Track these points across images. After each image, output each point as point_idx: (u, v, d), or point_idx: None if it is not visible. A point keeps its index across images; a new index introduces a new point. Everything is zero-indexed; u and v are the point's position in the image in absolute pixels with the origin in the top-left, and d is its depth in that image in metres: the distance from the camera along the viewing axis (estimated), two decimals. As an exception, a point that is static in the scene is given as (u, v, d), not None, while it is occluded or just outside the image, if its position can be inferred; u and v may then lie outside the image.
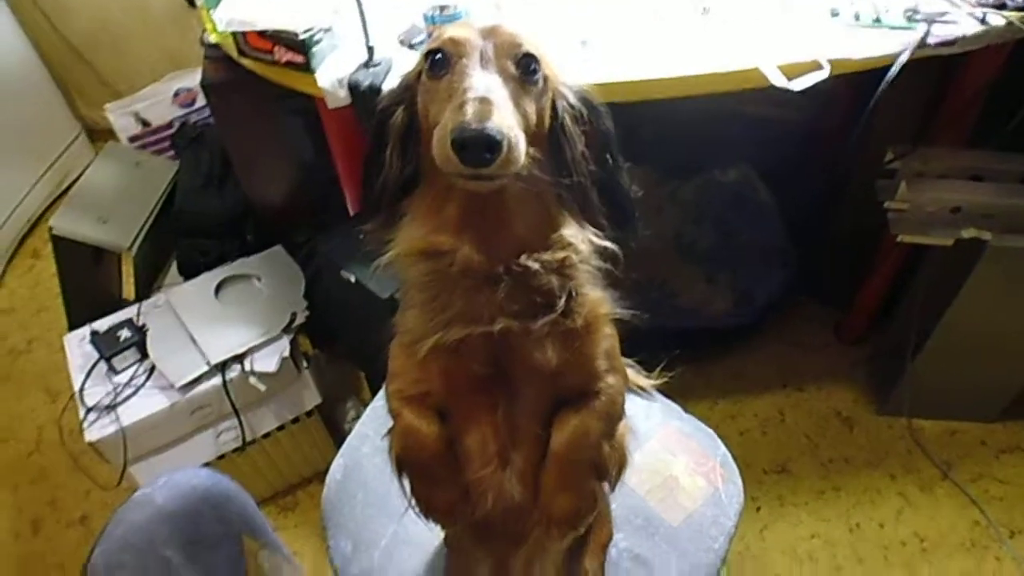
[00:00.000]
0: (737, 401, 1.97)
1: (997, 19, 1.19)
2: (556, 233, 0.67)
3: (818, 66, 1.13)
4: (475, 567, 0.89)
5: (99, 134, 2.79)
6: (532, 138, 0.63)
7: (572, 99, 0.69)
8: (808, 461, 1.85)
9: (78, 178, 2.63)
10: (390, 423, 0.77)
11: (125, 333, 1.54)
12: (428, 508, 0.75)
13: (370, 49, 1.13)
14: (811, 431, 1.91)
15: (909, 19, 1.20)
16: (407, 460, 0.74)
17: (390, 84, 1.14)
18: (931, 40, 1.17)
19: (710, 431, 1.26)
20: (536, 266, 0.65)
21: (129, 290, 1.97)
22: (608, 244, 0.70)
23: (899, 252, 1.75)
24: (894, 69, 1.15)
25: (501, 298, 0.65)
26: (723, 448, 1.23)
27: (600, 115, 0.70)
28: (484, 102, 0.56)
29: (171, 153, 2.00)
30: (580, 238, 0.68)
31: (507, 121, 0.57)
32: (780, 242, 2.06)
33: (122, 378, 1.52)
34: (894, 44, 1.17)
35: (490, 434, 0.72)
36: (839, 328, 2.06)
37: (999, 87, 1.44)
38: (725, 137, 2.09)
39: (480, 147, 0.55)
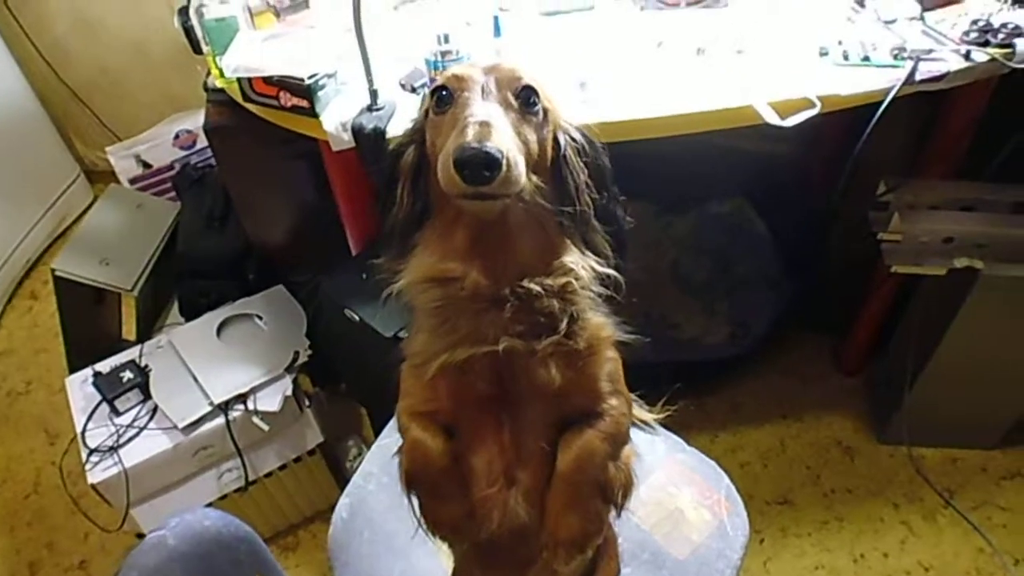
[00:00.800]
0: (737, 433, 1.98)
1: (981, 55, 1.22)
2: (558, 260, 0.70)
3: (809, 103, 1.16)
4: None
5: (98, 176, 2.81)
6: (535, 167, 0.67)
7: (574, 133, 0.73)
8: (810, 492, 1.85)
9: (77, 219, 2.68)
10: (398, 454, 0.79)
11: (128, 374, 1.54)
12: (435, 524, 0.76)
13: (373, 93, 1.16)
14: (812, 461, 1.91)
15: (896, 57, 1.23)
16: (414, 474, 0.75)
17: (393, 127, 1.17)
18: (919, 76, 1.20)
19: (713, 463, 1.26)
20: (538, 289, 0.67)
21: (130, 331, 1.97)
22: (610, 271, 0.73)
23: (893, 282, 1.78)
24: (884, 104, 1.18)
25: (506, 319, 0.68)
26: (727, 480, 1.24)
27: (598, 151, 0.74)
28: (483, 125, 0.60)
29: (172, 195, 2.02)
30: (581, 265, 0.70)
31: (505, 143, 0.60)
32: (775, 273, 2.08)
33: (125, 419, 1.52)
34: (882, 81, 1.20)
35: (496, 453, 0.73)
36: (836, 357, 2.08)
37: (986, 119, 1.48)
38: (720, 172, 2.12)
39: (480, 165, 0.58)
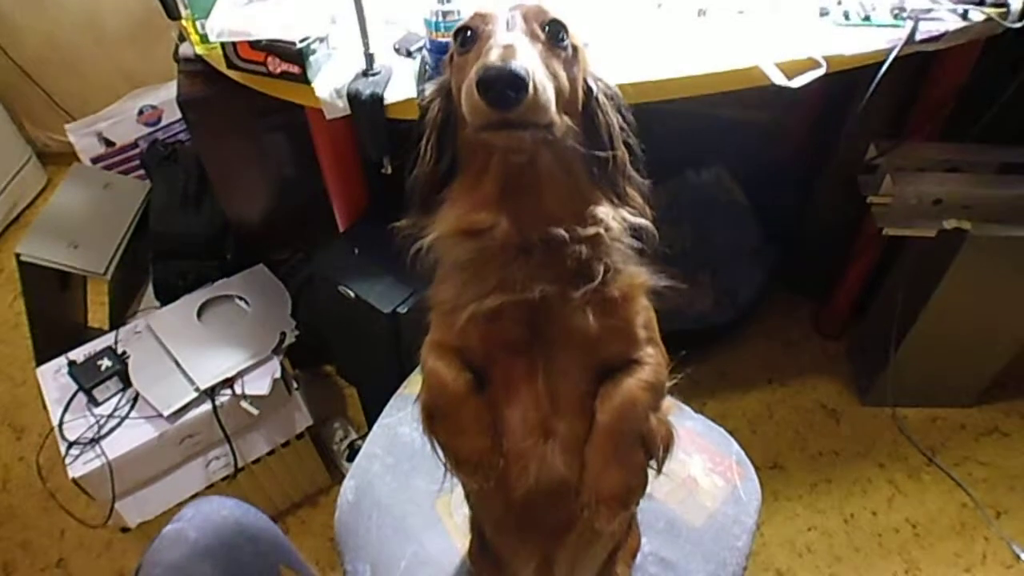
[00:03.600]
0: (725, 400, 1.99)
1: (977, 14, 1.23)
2: (588, 209, 0.66)
3: (815, 64, 1.15)
4: (514, 570, 0.86)
5: (52, 157, 2.67)
6: (565, 107, 0.63)
7: (605, 79, 0.70)
8: (799, 455, 1.87)
9: (31, 204, 2.55)
10: (417, 399, 0.75)
11: (105, 362, 1.47)
12: (457, 459, 0.71)
13: (369, 57, 1.10)
14: (799, 425, 1.93)
15: (896, 16, 1.23)
16: (432, 406, 0.71)
17: (390, 92, 1.12)
18: (918, 36, 1.20)
19: (721, 430, 1.26)
20: (565, 236, 0.64)
21: (98, 318, 1.88)
22: (642, 222, 0.69)
23: (876, 245, 1.80)
24: (886, 64, 1.18)
25: (535, 267, 0.65)
26: (736, 446, 1.23)
27: (624, 105, 0.71)
28: (508, 47, 0.57)
29: (141, 172, 1.92)
30: (612, 215, 0.67)
31: (532, 64, 0.57)
32: (756, 240, 2.09)
33: (104, 409, 1.45)
34: (883, 40, 1.20)
35: (531, 403, 0.70)
36: (818, 322, 2.11)
37: (970, 81, 1.49)
38: (697, 140, 2.11)
39: (504, 83, 0.55)
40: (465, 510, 1.07)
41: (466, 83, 0.58)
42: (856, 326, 2.05)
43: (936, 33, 1.21)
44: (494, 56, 0.56)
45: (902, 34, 1.20)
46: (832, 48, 1.18)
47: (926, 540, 1.71)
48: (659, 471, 0.74)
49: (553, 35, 0.63)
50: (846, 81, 1.27)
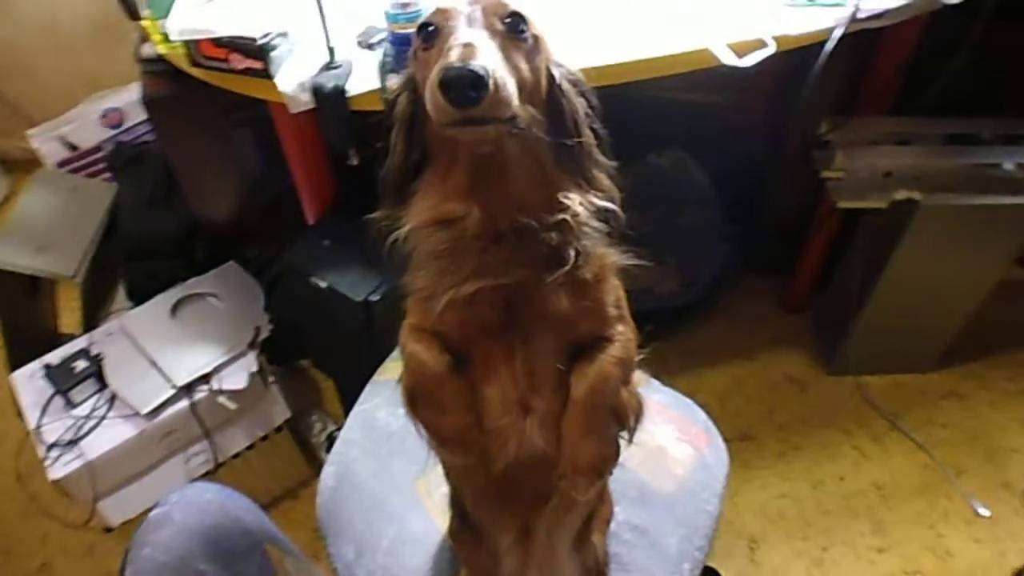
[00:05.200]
0: (695, 376, 2.04)
1: (916, -9, 1.28)
2: (556, 195, 0.69)
3: (763, 44, 1.20)
4: (494, 541, 0.89)
5: (13, 165, 2.65)
6: (529, 97, 0.65)
7: (567, 66, 0.71)
8: (767, 426, 1.93)
9: (-4, 210, 2.53)
10: (399, 381, 0.77)
11: (81, 364, 1.48)
12: (440, 437, 0.74)
13: (331, 50, 1.13)
14: (767, 397, 1.99)
15: (839, -4, 1.27)
16: (414, 388, 0.74)
17: (353, 85, 1.14)
18: (860, 14, 1.24)
19: (689, 401, 1.30)
20: (535, 224, 0.67)
21: (70, 323, 1.88)
22: (609, 205, 0.72)
23: (833, 219, 1.85)
24: (831, 42, 1.22)
25: (509, 253, 0.67)
26: (703, 415, 1.28)
27: (588, 90, 0.73)
28: (467, 46, 0.59)
29: (107, 175, 1.92)
30: (579, 201, 0.69)
31: (491, 62, 0.59)
32: (719, 220, 2.14)
33: (82, 411, 1.46)
34: (828, 19, 1.24)
35: (509, 382, 0.73)
36: (782, 297, 2.16)
37: (918, 57, 1.55)
38: (658, 124, 2.15)
39: (465, 84, 0.57)
40: (444, 489, 1.10)
41: (429, 82, 0.59)
42: (818, 299, 2.11)
43: (878, 11, 1.26)
44: (455, 56, 0.58)
45: (846, 13, 1.24)
46: (780, 28, 1.23)
47: (891, 501, 1.77)
48: (630, 440, 0.78)
49: (513, 27, 0.64)
50: (799, 60, 1.31)
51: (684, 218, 2.15)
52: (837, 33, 1.22)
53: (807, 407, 1.96)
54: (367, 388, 1.31)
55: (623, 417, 0.74)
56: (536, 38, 0.67)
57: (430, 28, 0.66)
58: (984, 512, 1.74)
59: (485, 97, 0.57)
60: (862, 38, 1.33)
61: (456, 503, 1.00)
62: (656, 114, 2.07)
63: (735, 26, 1.23)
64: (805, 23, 1.24)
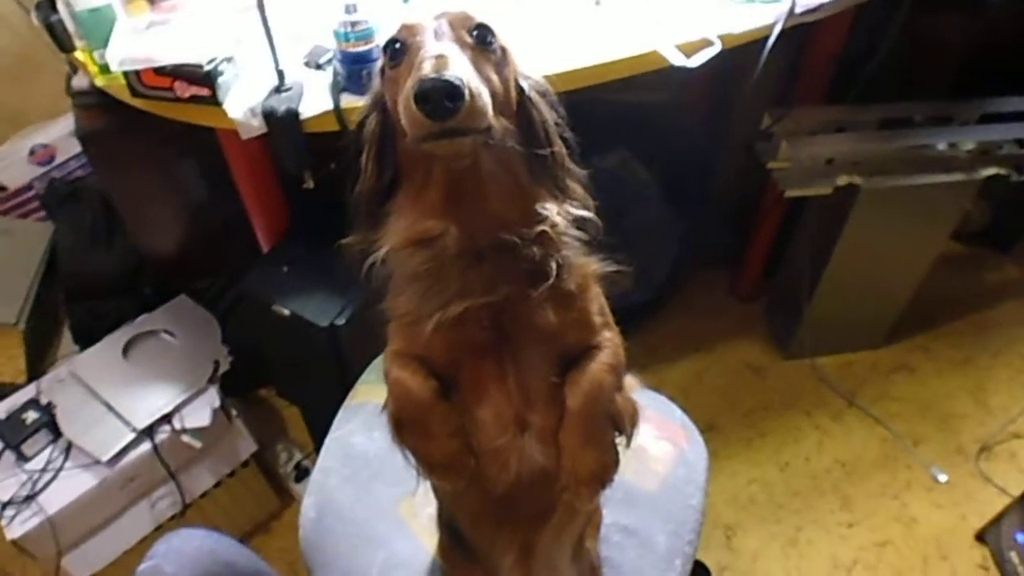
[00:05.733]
0: (656, 373, 2.07)
1: (848, -14, 1.33)
2: (533, 208, 0.68)
3: (709, 43, 1.22)
4: (494, 562, 0.88)
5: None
6: (500, 108, 0.65)
7: (535, 76, 0.72)
8: (731, 415, 1.97)
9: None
10: (384, 408, 0.75)
11: (31, 415, 1.41)
12: (429, 464, 0.73)
13: (280, 73, 1.10)
14: (728, 387, 2.03)
15: (776, -7, 1.31)
16: (400, 415, 0.72)
17: (305, 107, 1.12)
18: (798, 9, 1.29)
19: (663, 398, 1.32)
20: (516, 240, 0.66)
21: (13, 371, 1.79)
22: (585, 214, 0.72)
23: (779, 208, 1.91)
24: (772, 36, 1.26)
25: (492, 270, 0.67)
26: (679, 411, 1.29)
27: (556, 100, 0.73)
28: (440, 58, 0.58)
29: (41, 214, 1.83)
30: (556, 211, 0.69)
31: (465, 72, 0.58)
32: (668, 216, 2.18)
33: (36, 464, 1.39)
34: (768, 16, 1.28)
35: (503, 400, 0.72)
36: (735, 287, 2.21)
37: (849, 48, 1.61)
38: (601, 126, 2.17)
39: (441, 94, 0.56)
40: (430, 510, 1.09)
41: (402, 97, 0.59)
42: (770, 287, 2.17)
43: (813, 5, 1.31)
44: (428, 68, 0.57)
45: (784, 8, 1.28)
46: (724, 27, 1.26)
47: (855, 476, 1.83)
48: (628, 445, 0.78)
49: (481, 39, 0.64)
50: (737, 57, 1.35)
51: (632, 217, 2.18)
52: (778, 28, 1.26)
53: (767, 393, 2.01)
54: (340, 414, 1.29)
55: (620, 422, 0.74)
56: (503, 49, 0.67)
57: (397, 45, 0.65)
58: (942, 478, 1.81)
59: (462, 107, 0.57)
60: (797, 32, 1.38)
61: (445, 522, 0.99)
62: (598, 117, 2.08)
63: (682, 27, 1.25)
64: (747, 20, 1.27)
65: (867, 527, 1.74)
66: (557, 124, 0.72)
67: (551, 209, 0.69)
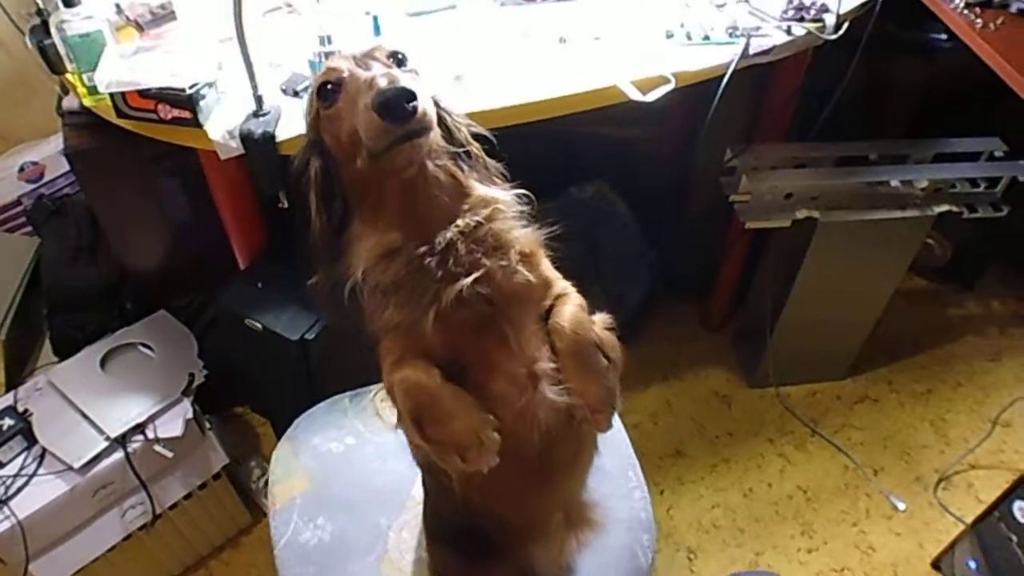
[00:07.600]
0: (627, 399, 2.02)
1: (799, 29, 1.41)
2: (474, 196, 0.78)
3: (665, 80, 1.30)
4: (538, 530, 0.95)
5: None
6: None
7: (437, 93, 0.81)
8: (698, 441, 2.02)
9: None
10: (399, 425, 0.81)
11: (7, 422, 1.44)
12: (461, 447, 0.74)
13: (259, 98, 1.17)
14: (696, 414, 2.08)
15: (731, 35, 1.39)
16: (416, 409, 0.75)
17: (281, 130, 1.19)
18: (751, 51, 1.36)
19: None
20: (473, 223, 0.75)
21: (-8, 381, 1.82)
22: (516, 192, 0.82)
23: (744, 240, 1.97)
24: (726, 76, 1.34)
25: (464, 255, 0.74)
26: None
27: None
28: (387, 74, 0.68)
29: (28, 229, 1.89)
30: (492, 192, 0.79)
31: (410, 81, 0.68)
32: (641, 247, 2.24)
33: (9, 470, 1.42)
34: (723, 56, 1.36)
35: (513, 364, 0.77)
36: (703, 317, 2.27)
37: (808, 87, 1.69)
38: (579, 159, 2.26)
39: (401, 98, 0.66)
40: (409, 556, 1.11)
41: (362, 116, 0.68)
42: (736, 317, 2.22)
43: (767, 48, 1.39)
44: (384, 83, 0.66)
45: (738, 50, 1.36)
46: (680, 65, 1.33)
47: (816, 503, 1.87)
48: (618, 369, 0.85)
49: (400, 63, 0.76)
50: (705, 95, 1.42)
51: (607, 247, 2.24)
52: (731, 68, 1.34)
53: (733, 420, 2.06)
54: (272, 526, 1.19)
55: (607, 348, 0.81)
56: (415, 70, 0.78)
57: (329, 87, 0.73)
58: (901, 506, 1.85)
59: (418, 108, 0.67)
60: (757, 72, 1.46)
61: (450, 534, 1.00)
62: (576, 149, 2.17)
63: (638, 65, 1.32)
64: (703, 60, 1.35)
65: (826, 553, 1.78)
66: (468, 126, 0.82)
67: (489, 191, 0.79)
